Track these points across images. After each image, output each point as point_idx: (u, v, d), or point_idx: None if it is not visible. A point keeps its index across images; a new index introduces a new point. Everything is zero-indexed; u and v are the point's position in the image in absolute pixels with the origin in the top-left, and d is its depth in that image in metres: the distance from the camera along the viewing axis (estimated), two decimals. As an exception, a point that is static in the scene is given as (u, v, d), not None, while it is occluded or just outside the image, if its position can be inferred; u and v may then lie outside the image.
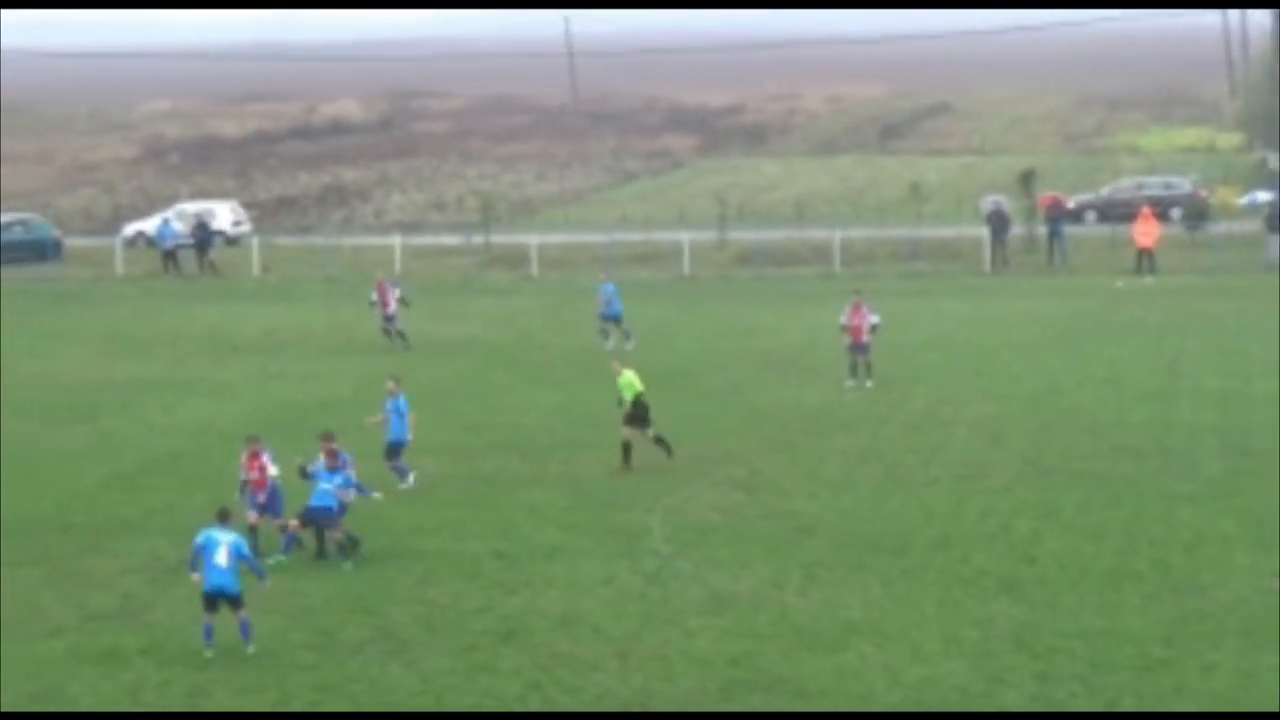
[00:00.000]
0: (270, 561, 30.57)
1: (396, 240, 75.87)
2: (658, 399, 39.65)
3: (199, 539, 27.29)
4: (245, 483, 32.36)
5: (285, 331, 58.43)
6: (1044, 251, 70.79)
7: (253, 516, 31.84)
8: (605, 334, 53.28)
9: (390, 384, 37.36)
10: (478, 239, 77.42)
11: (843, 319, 46.51)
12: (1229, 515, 33.31)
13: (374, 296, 54.81)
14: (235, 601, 26.85)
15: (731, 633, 27.43)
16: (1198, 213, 77.39)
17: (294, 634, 27.75)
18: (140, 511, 35.37)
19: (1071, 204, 79.88)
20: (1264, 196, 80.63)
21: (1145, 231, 67.47)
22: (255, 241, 78.08)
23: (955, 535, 32.44)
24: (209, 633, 26.77)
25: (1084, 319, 57.09)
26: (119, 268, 74.65)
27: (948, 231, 76.47)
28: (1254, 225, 73.91)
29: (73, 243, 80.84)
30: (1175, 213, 78.10)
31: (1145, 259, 67.04)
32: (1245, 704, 24.34)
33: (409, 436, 36.68)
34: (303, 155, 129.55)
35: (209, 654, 26.62)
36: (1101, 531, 32.50)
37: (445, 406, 44.62)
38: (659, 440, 38.06)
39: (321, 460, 31.81)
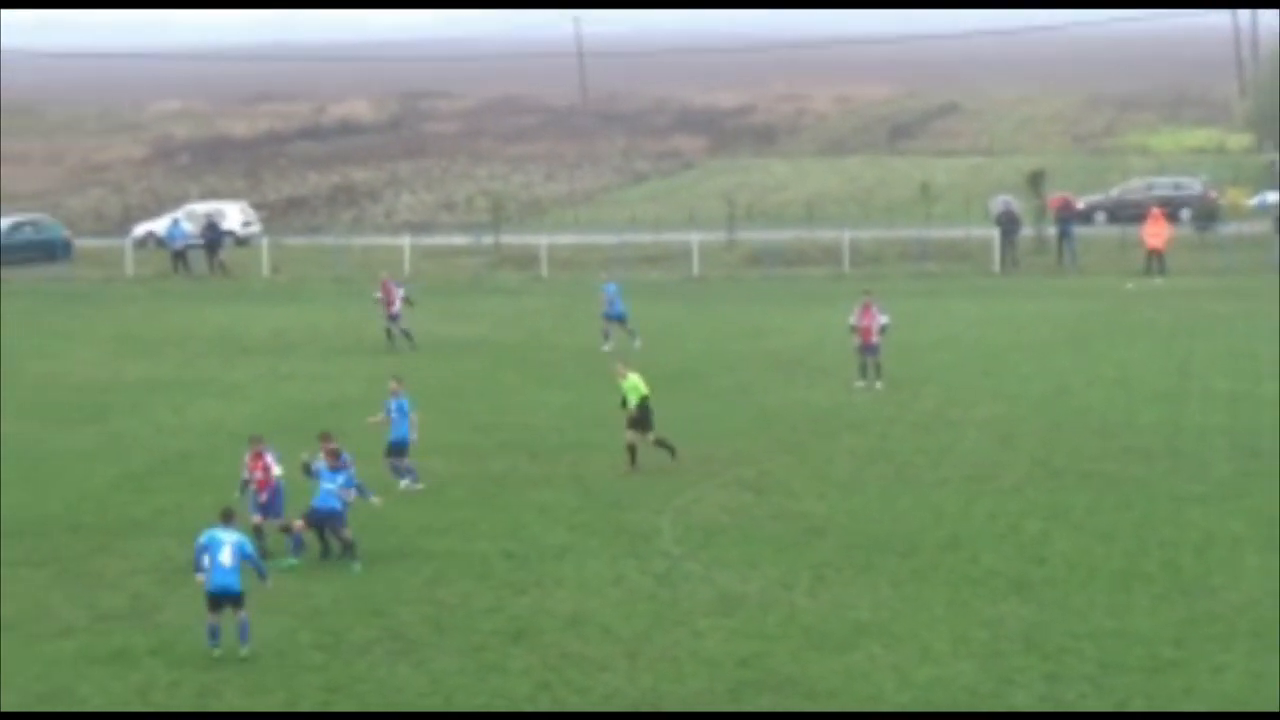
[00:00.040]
0: (283, 566, 30.60)
1: (406, 241, 75.89)
2: (667, 399, 39.65)
3: (202, 539, 27.31)
4: (246, 482, 32.38)
5: (295, 332, 58.46)
6: (1053, 252, 70.74)
7: (256, 518, 31.86)
8: (606, 335, 53.22)
9: (393, 383, 37.38)
10: (487, 239, 77.47)
11: (852, 319, 46.50)
12: (1239, 516, 33.27)
13: (378, 294, 54.95)
14: (237, 601, 26.86)
15: (740, 633, 27.42)
16: (1208, 214, 77.30)
17: (303, 634, 27.77)
18: (150, 512, 35.40)
19: (1081, 205, 79.76)
20: (1274, 198, 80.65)
21: (1155, 232, 67.39)
22: (265, 242, 78.11)
23: (964, 536, 32.42)
24: (214, 633, 26.79)
25: (1094, 320, 57.04)
26: (129, 268, 74.71)
27: (957, 232, 76.43)
28: (1264, 226, 73.87)
29: (83, 243, 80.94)
30: (1185, 214, 78.02)
31: (1155, 260, 66.96)
32: (1255, 705, 24.31)
33: (413, 436, 36.70)
34: (312, 155, 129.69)
35: (215, 654, 26.64)
36: (1111, 532, 32.47)
37: (455, 407, 44.64)
38: (660, 443, 38.05)
39: (323, 460, 31.82)
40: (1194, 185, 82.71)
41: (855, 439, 40.61)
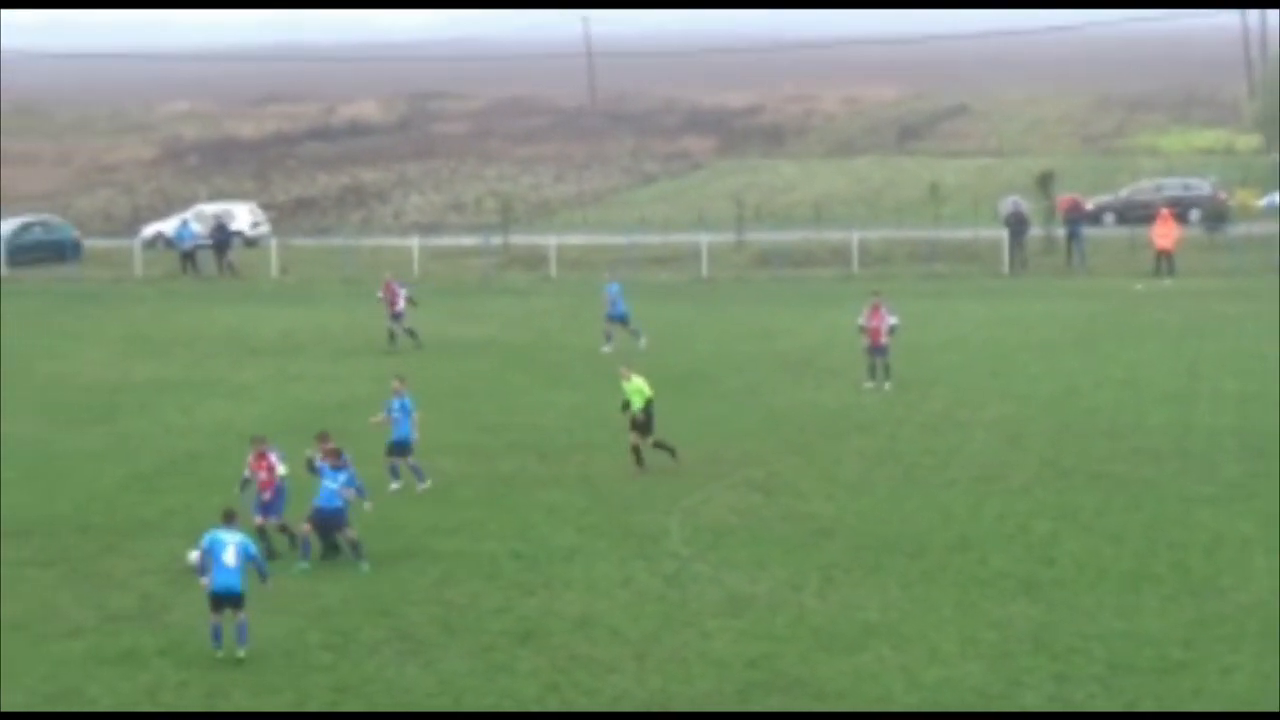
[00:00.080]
0: (294, 571, 30.59)
1: (415, 241, 75.92)
2: (676, 400, 39.63)
3: (204, 541, 27.35)
4: (247, 481, 32.40)
5: (303, 333, 58.49)
6: (1062, 253, 70.71)
7: (258, 519, 31.86)
8: (608, 336, 53.17)
9: (395, 383, 37.39)
10: (496, 240, 77.48)
11: (861, 320, 46.49)
12: (1248, 517, 33.25)
13: (380, 294, 55.08)
14: (237, 603, 26.85)
15: (749, 634, 27.42)
16: (1216, 215, 77.26)
17: (311, 634, 27.79)
18: (158, 512, 35.43)
19: (1090, 205, 79.73)
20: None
21: (1164, 233, 67.35)
22: (274, 243, 78.16)
23: (973, 537, 32.40)
24: (217, 633, 26.79)
25: (1103, 321, 57.01)
26: (138, 269, 74.77)
27: (966, 233, 76.41)
28: (1273, 227, 73.75)
29: (92, 244, 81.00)
30: (1194, 214, 77.95)
31: (1164, 261, 66.91)
32: (1264, 706, 24.29)
33: (415, 435, 36.69)
34: (321, 156, 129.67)
35: (219, 654, 26.66)
36: (1120, 533, 32.45)
37: (463, 407, 44.66)
38: (659, 445, 38.04)
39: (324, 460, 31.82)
40: (1203, 186, 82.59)
41: (864, 440, 40.61)
